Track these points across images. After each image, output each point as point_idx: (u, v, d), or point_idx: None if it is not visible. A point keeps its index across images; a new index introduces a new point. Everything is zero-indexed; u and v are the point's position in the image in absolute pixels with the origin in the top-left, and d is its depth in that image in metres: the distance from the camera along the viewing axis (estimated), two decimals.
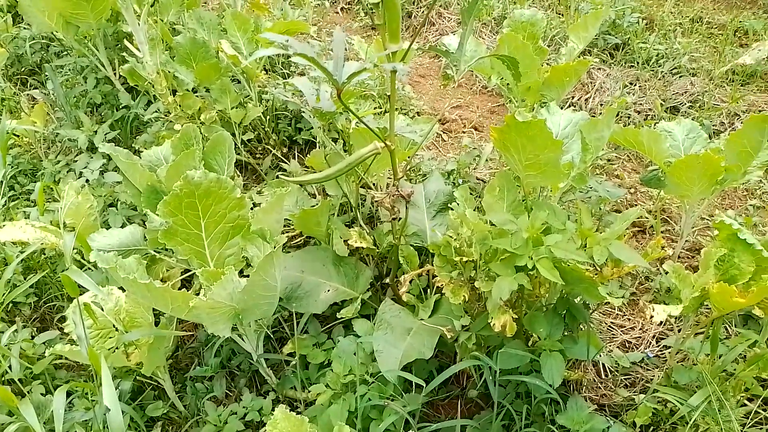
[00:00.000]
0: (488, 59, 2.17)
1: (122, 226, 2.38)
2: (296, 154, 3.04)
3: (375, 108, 3.09)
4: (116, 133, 2.95)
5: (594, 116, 3.55)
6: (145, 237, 2.06)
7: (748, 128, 1.90)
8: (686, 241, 2.45)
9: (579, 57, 2.55)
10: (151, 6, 2.70)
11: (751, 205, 2.76)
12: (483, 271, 1.53)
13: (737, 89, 3.38)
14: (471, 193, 1.85)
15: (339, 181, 2.22)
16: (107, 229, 2.09)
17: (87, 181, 2.58)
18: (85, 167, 2.65)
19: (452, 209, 1.72)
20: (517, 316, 1.49)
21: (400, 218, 1.72)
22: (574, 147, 1.76)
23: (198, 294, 2.03)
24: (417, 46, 4.34)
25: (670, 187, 2.16)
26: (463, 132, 3.48)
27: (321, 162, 2.26)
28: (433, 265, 1.93)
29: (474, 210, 1.60)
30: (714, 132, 3.19)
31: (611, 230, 1.55)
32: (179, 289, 2.23)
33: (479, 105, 3.74)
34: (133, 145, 2.89)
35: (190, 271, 2.14)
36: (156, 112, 2.72)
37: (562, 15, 4.36)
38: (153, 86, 2.53)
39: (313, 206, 2.20)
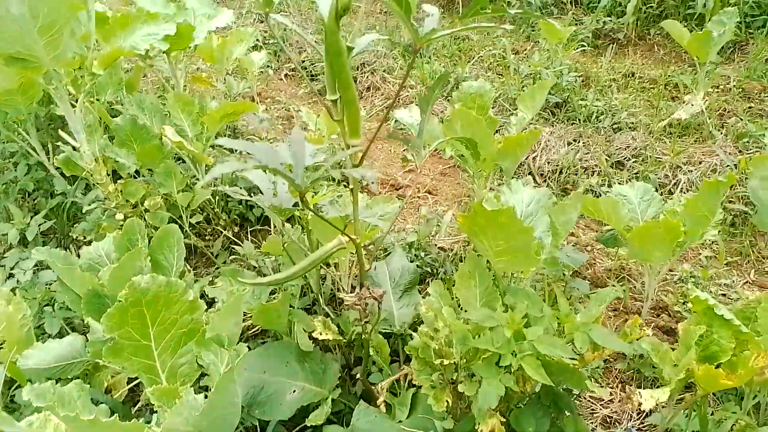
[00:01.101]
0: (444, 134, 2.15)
1: (60, 331, 2.17)
2: (248, 232, 2.91)
3: (328, 181, 3.02)
4: (52, 223, 2.74)
5: (542, 174, 3.62)
6: (86, 346, 1.87)
7: (703, 194, 1.93)
8: (651, 299, 2.45)
9: (528, 125, 2.58)
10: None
11: (705, 256, 2.82)
12: (464, 369, 1.44)
13: (676, 141, 3.52)
14: (439, 278, 1.77)
15: None
16: (43, 337, 1.89)
17: (18, 282, 2.35)
18: (16, 266, 2.42)
19: (424, 299, 1.64)
20: (504, 419, 1.40)
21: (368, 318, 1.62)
22: (540, 225, 1.73)
23: (148, 407, 1.84)
24: (365, 112, 4.33)
25: (631, 252, 2.17)
26: (418, 197, 3.45)
27: (278, 248, 2.14)
28: (404, 352, 1.83)
29: (450, 304, 1.52)
30: (660, 185, 3.28)
31: (588, 313, 1.50)
32: (127, 396, 2.05)
33: (431, 168, 3.74)
34: (70, 234, 2.69)
35: (137, 378, 1.95)
36: (95, 200, 2.55)
37: (502, 75, 4.49)
38: (92, 175, 2.37)
39: (271, 297, 2.07)
